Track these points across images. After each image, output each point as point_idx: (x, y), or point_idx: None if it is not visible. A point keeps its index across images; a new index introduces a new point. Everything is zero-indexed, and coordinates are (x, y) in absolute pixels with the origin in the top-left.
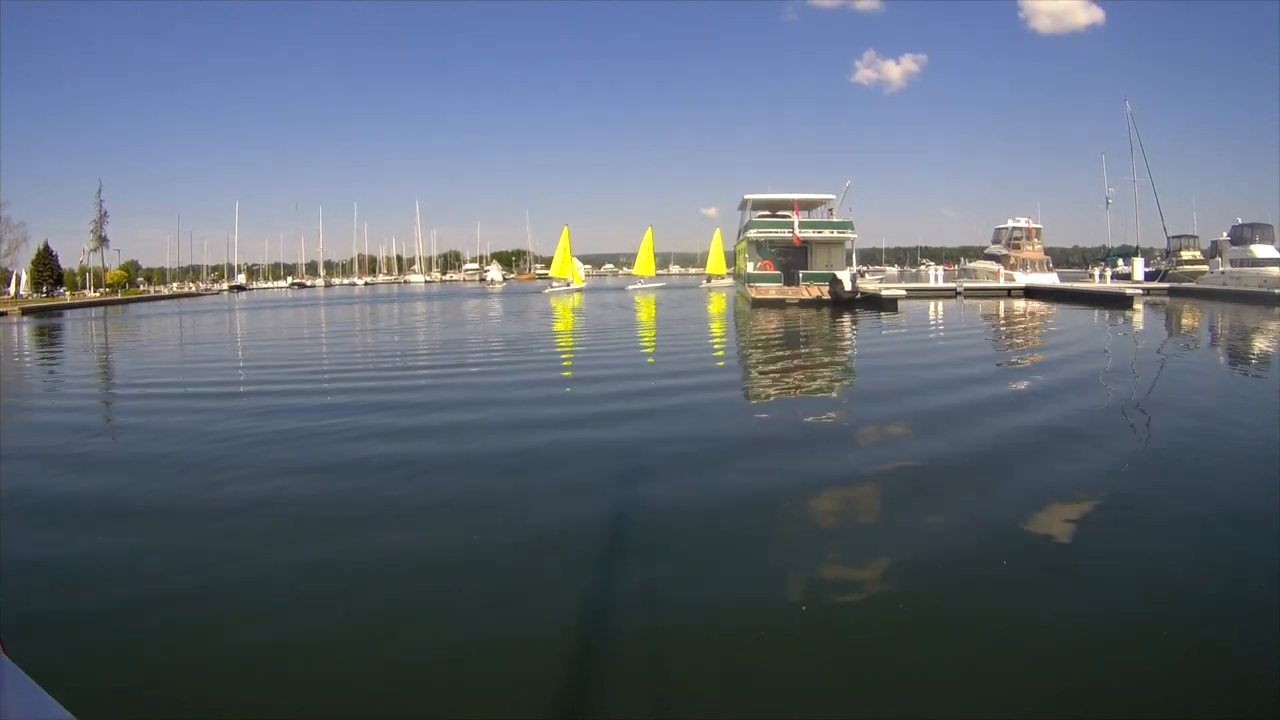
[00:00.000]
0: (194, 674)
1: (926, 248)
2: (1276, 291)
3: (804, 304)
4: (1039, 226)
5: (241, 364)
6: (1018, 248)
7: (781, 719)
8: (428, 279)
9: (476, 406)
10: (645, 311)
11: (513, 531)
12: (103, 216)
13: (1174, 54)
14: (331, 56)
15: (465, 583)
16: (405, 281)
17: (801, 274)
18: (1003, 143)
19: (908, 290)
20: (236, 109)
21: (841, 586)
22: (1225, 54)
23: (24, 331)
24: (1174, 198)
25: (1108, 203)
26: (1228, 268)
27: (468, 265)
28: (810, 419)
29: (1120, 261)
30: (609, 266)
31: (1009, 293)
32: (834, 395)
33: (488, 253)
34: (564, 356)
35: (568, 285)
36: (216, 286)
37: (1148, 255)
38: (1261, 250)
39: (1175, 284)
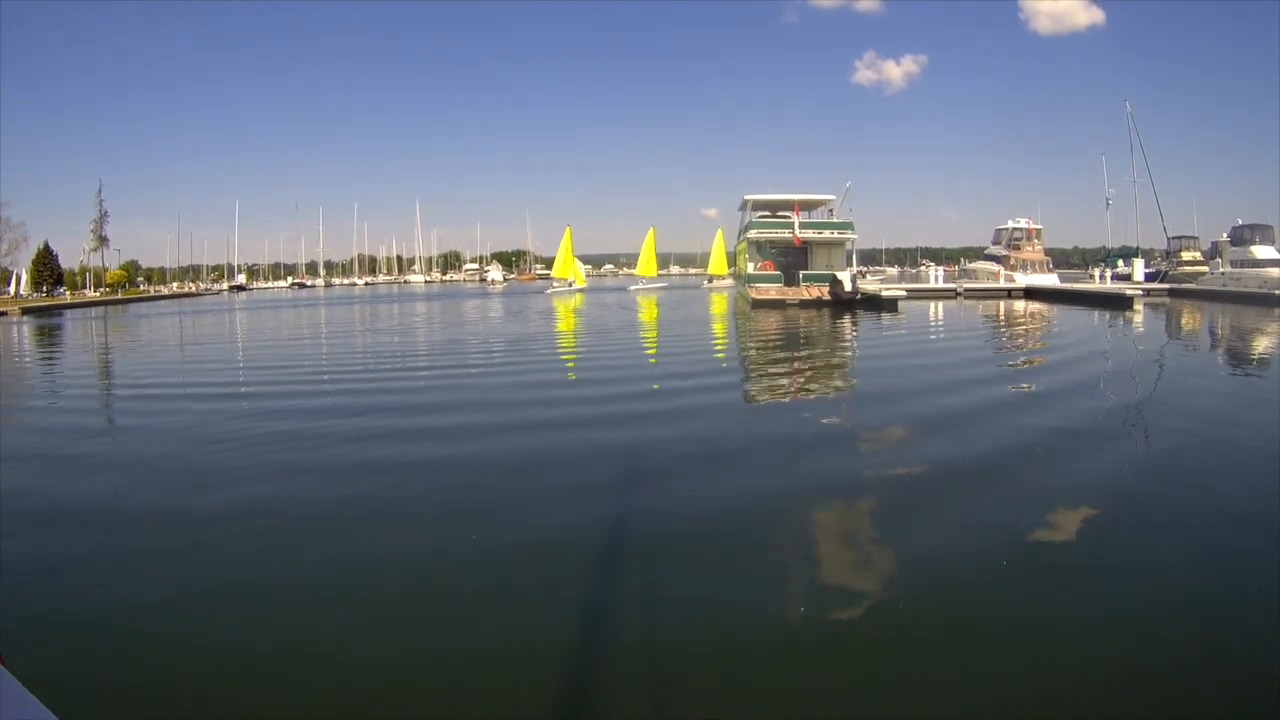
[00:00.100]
0: (193, 676)
1: (927, 248)
2: (1277, 292)
3: (804, 304)
4: (1039, 227)
5: (241, 364)
6: (1018, 248)
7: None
8: (428, 279)
9: (477, 408)
10: (647, 312)
11: (513, 533)
12: (103, 216)
13: (1174, 54)
14: (331, 56)
15: (465, 585)
16: (405, 282)
17: (802, 274)
18: (1003, 143)
19: (908, 291)
20: (236, 109)
21: (842, 588)
22: (1225, 54)
23: (24, 331)
24: (1174, 198)
25: (1108, 203)
26: (1228, 269)
27: (468, 265)
28: (811, 421)
29: (1120, 262)
30: (609, 267)
31: (1009, 293)
32: (835, 397)
33: (488, 253)
34: (566, 357)
35: (569, 285)
36: (217, 286)
37: (1148, 256)
38: (1262, 251)
39: (1175, 285)
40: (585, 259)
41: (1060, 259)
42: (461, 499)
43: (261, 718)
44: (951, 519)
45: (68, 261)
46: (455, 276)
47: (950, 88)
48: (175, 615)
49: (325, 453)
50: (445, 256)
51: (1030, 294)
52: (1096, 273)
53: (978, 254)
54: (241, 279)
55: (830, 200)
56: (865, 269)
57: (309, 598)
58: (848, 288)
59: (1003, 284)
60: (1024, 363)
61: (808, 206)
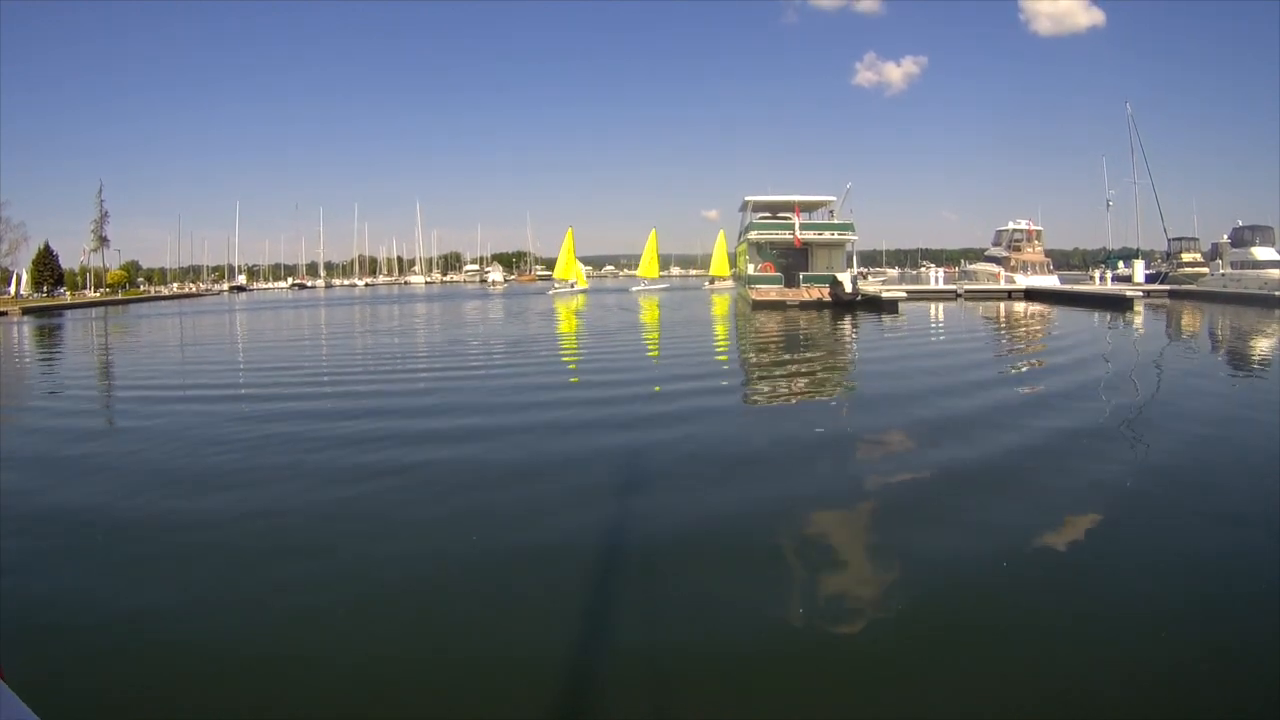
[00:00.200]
0: (193, 677)
1: (927, 250)
2: (1277, 294)
3: (804, 306)
4: (1039, 229)
5: (242, 366)
6: (1018, 250)
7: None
8: (428, 280)
9: (478, 409)
10: (649, 313)
11: (514, 534)
12: (103, 216)
13: (1174, 55)
14: (331, 56)
15: (466, 586)
16: (405, 283)
17: (802, 276)
18: (1003, 144)
19: (908, 292)
20: (236, 109)
21: (842, 589)
22: (1225, 54)
23: (24, 331)
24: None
25: (1108, 205)
26: (1228, 270)
27: (468, 266)
28: (811, 423)
29: (1121, 264)
30: (609, 268)
31: (1009, 295)
32: (836, 401)
33: (488, 254)
34: (567, 359)
35: (572, 287)
36: (217, 287)
37: (1148, 257)
38: (1262, 252)
39: (1176, 286)
40: (585, 260)
41: (1061, 260)
42: (462, 500)
43: (261, 718)
44: (951, 520)
45: (68, 262)
46: (456, 278)
47: (951, 89)
48: (175, 616)
49: (325, 454)
50: (446, 257)
51: (1030, 295)
52: (1097, 274)
53: (978, 255)
54: (242, 280)
55: (831, 201)
56: (866, 270)
57: (309, 599)
58: (848, 289)
59: (1003, 285)
60: (1025, 365)
61: (808, 208)
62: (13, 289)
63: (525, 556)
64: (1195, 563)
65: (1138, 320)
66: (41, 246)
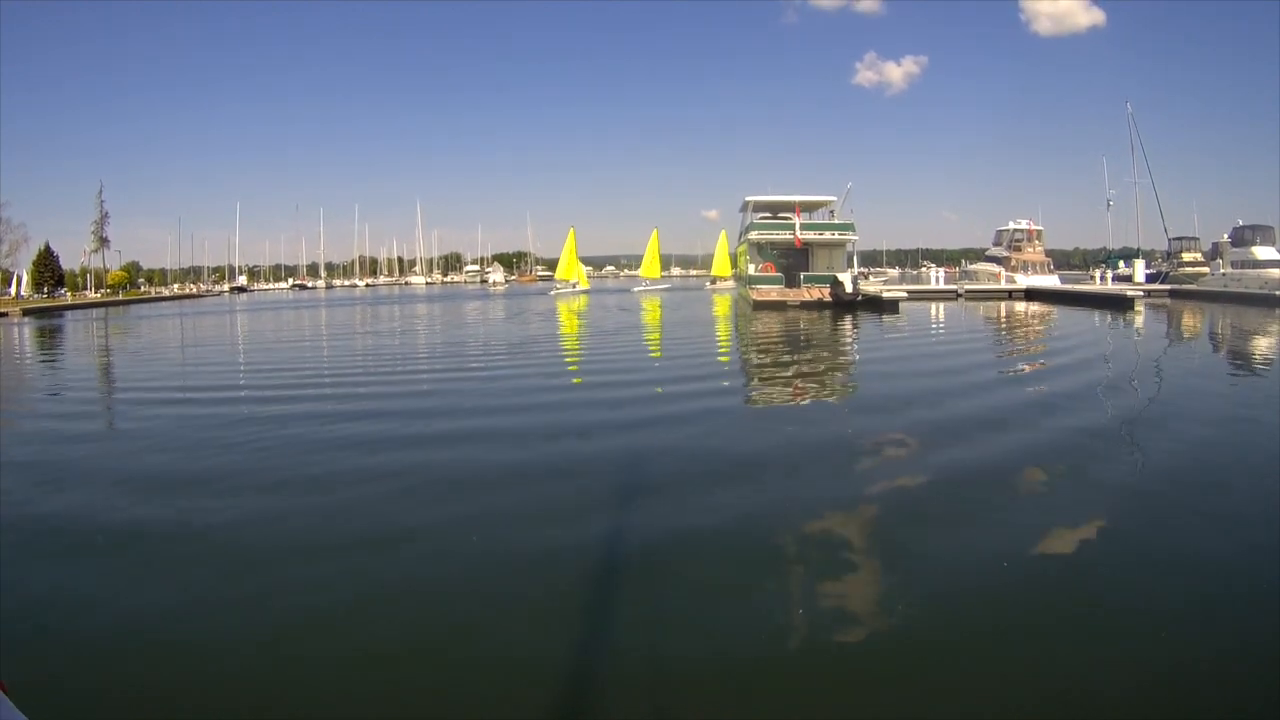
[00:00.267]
0: (193, 678)
1: (927, 250)
2: (1277, 293)
3: (805, 306)
4: (1040, 228)
5: (242, 367)
6: (1019, 249)
7: None
8: (429, 281)
9: (479, 411)
10: (650, 314)
11: (514, 536)
12: (104, 217)
13: (1174, 55)
14: (331, 56)
15: (466, 586)
16: (406, 283)
17: (803, 276)
18: (1004, 144)
19: (909, 292)
20: (236, 109)
21: (842, 590)
22: (1225, 54)
23: (25, 332)
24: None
25: (1109, 204)
26: (1229, 269)
27: (469, 267)
28: (811, 425)
29: (1121, 263)
30: (610, 268)
31: (1010, 295)
32: (837, 403)
33: (489, 254)
34: (569, 360)
35: (573, 287)
36: (218, 288)
37: (1149, 257)
38: (1262, 252)
39: (1176, 286)
40: (586, 260)
41: (1061, 260)
42: (462, 501)
43: (261, 718)
44: (952, 520)
45: (69, 262)
46: (456, 278)
47: (951, 89)
48: (175, 617)
49: (325, 455)
50: (446, 258)
51: (1031, 295)
52: (1097, 274)
53: (979, 255)
54: (242, 280)
55: (831, 201)
56: (866, 270)
57: (309, 599)
58: (849, 289)
59: (1004, 285)
60: (1025, 365)
61: (809, 208)
62: (13, 290)
63: (525, 557)
64: (1195, 563)
65: (1138, 320)
66: (42, 247)
